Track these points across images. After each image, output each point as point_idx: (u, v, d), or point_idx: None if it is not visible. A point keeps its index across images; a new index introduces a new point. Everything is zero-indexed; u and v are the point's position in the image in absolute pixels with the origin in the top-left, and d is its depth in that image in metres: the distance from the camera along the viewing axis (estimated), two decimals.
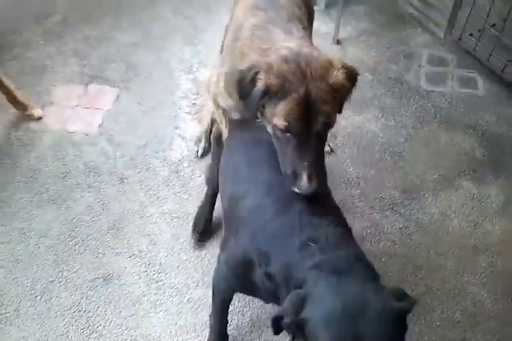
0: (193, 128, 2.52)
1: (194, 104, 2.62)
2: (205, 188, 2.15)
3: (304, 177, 1.41)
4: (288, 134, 1.43)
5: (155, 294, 2.00)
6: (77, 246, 2.10)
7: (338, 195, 2.26)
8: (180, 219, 2.20)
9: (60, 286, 2.00)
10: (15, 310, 1.93)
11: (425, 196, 2.36)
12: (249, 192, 1.50)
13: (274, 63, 1.42)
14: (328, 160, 2.35)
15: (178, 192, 2.29)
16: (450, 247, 2.20)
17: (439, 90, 2.80)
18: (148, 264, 2.07)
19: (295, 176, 1.42)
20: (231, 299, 1.76)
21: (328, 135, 1.54)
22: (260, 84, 1.41)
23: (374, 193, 2.35)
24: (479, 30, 2.77)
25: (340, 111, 1.51)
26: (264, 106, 1.45)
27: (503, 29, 2.72)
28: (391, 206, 2.32)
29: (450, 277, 2.12)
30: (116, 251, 2.10)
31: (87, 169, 2.34)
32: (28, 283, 2.00)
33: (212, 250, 2.10)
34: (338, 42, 3.00)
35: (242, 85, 1.46)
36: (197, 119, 2.56)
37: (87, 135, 2.46)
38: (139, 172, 2.35)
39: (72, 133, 2.48)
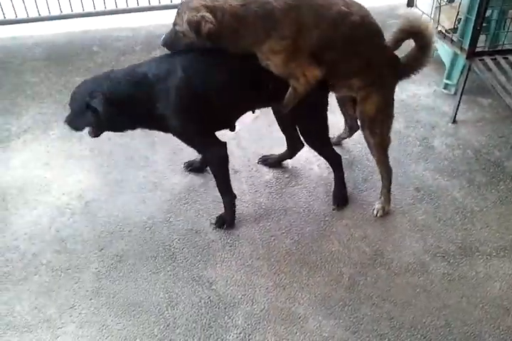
0: None
1: None
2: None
3: None
4: None
5: (226, 253, 2.59)
6: (186, 205, 2.83)
7: (397, 232, 2.71)
8: (266, 211, 2.80)
9: (164, 226, 2.71)
10: (129, 231, 2.68)
11: (479, 257, 2.59)
12: None
13: None
14: (402, 205, 2.81)
15: (273, 193, 2.89)
16: (482, 301, 2.40)
17: None
18: (230, 232, 2.69)
19: None
20: None
21: None
22: None
23: (432, 241, 2.66)
24: None
25: None
26: None
27: None
28: (443, 255, 2.59)
29: (472, 323, 2.32)
30: (211, 216, 2.76)
31: None
32: (144, 217, 2.75)
33: (277, 232, 2.68)
34: (454, 121, 3.41)
35: None
36: None
37: (224, 136, 3.12)
38: (249, 171, 3.02)
39: None
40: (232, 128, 2.68)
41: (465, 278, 2.51)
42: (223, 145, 2.55)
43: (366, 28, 2.42)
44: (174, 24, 2.29)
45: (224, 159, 2.56)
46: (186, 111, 2.35)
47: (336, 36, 2.33)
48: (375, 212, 2.81)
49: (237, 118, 2.66)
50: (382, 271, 2.53)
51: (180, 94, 2.31)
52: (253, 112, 2.74)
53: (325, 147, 2.77)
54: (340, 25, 2.31)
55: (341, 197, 2.84)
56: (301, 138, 2.75)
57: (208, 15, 2.15)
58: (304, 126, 2.66)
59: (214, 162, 2.60)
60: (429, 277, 2.51)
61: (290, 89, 2.39)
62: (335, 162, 2.81)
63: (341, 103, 2.89)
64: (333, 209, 2.82)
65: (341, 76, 2.49)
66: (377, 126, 2.63)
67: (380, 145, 2.69)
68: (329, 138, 2.79)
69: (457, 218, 2.80)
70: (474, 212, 2.83)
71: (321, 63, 2.33)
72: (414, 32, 2.45)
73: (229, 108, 2.50)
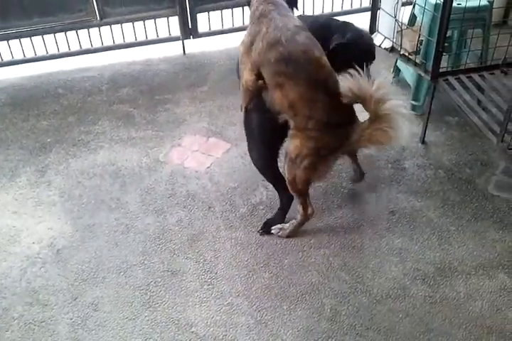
0: None
1: None
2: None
3: None
4: None
5: (204, 293, 2.54)
6: (160, 246, 2.76)
7: (377, 258, 2.71)
8: (242, 245, 2.77)
9: (139, 269, 2.65)
10: (102, 277, 2.61)
11: (458, 277, 2.59)
12: None
13: None
14: (378, 229, 2.80)
15: (248, 226, 2.86)
16: (465, 321, 2.40)
17: (504, 197, 3.02)
18: (207, 271, 2.64)
19: None
20: None
21: None
22: None
23: (411, 264, 2.65)
24: None
25: None
26: None
27: None
28: (423, 277, 2.59)
29: None
30: (187, 256, 2.71)
31: (188, 195, 3.05)
32: (118, 261, 2.69)
33: (255, 267, 2.63)
34: (423, 142, 3.43)
35: None
36: None
37: (196, 172, 3.19)
38: (224, 206, 2.98)
39: (186, 168, 3.24)
40: None
41: (446, 300, 2.51)
42: None
43: (299, 65, 2.31)
44: None
45: None
46: None
47: (266, 59, 2.34)
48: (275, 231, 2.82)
49: None
50: (364, 299, 2.51)
51: None
52: None
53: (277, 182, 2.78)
54: (271, 49, 2.33)
55: (270, 226, 2.83)
56: None
57: None
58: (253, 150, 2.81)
59: None
60: (411, 301, 2.50)
61: None
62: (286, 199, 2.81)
63: None
64: (258, 232, 2.82)
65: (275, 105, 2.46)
66: (294, 168, 2.53)
67: (291, 186, 2.62)
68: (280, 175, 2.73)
69: (434, 239, 2.80)
70: (450, 232, 2.84)
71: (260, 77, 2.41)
72: (360, 99, 2.34)
73: None
